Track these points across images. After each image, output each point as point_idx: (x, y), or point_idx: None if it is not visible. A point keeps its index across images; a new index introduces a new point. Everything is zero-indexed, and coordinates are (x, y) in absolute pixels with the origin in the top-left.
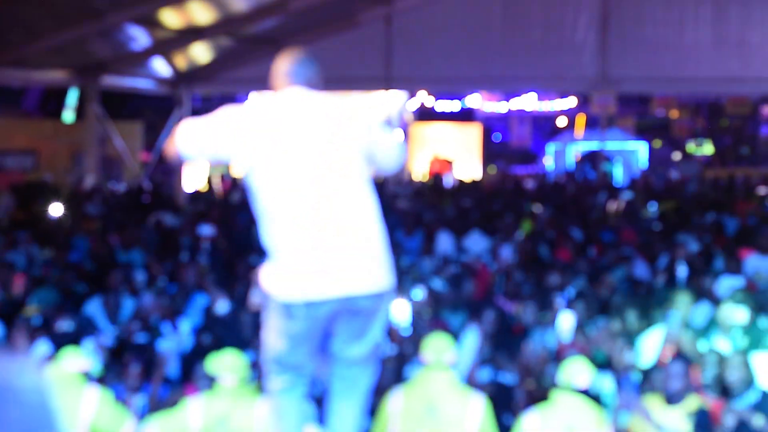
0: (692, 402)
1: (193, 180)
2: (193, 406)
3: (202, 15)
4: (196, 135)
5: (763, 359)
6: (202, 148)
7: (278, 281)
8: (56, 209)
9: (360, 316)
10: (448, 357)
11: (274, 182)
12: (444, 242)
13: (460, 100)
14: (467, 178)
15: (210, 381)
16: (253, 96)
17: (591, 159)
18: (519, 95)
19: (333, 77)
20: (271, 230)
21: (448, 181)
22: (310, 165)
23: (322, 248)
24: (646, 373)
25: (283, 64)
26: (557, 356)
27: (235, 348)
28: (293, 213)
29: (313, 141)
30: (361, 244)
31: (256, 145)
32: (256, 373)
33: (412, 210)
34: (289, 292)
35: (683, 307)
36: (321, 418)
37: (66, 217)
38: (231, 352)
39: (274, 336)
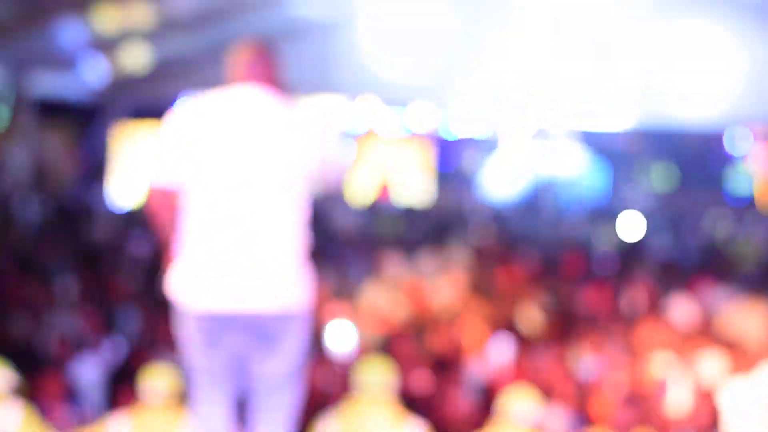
0: None
1: (123, 194)
2: (123, 423)
3: (139, 17)
4: (159, 193)
5: None
6: (172, 199)
7: (177, 286)
8: None
9: (264, 334)
10: (384, 382)
11: (198, 181)
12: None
13: (403, 107)
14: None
15: (138, 397)
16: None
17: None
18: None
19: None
20: (183, 230)
21: (393, 204)
22: (240, 168)
23: (227, 259)
24: None
25: (240, 56)
26: (495, 384)
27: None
28: (208, 216)
29: (250, 144)
30: (273, 261)
31: (192, 146)
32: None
33: (356, 231)
34: (183, 299)
35: None
36: None
37: None
38: (160, 368)
39: (185, 344)
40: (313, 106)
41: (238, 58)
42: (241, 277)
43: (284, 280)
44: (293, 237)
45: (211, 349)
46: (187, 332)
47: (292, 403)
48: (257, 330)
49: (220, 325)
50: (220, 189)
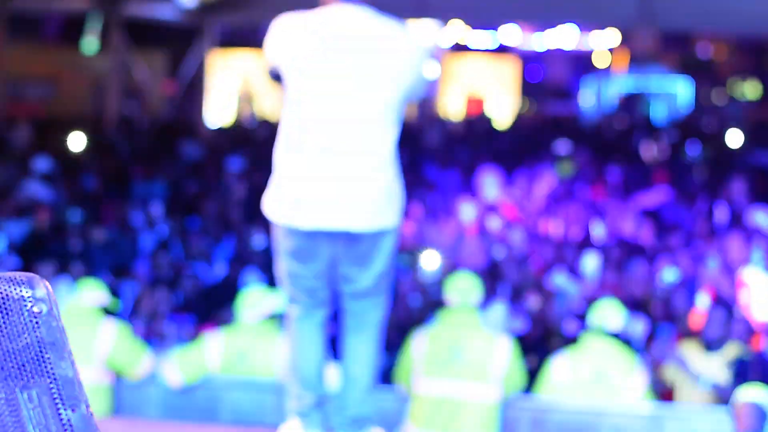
0: (732, 349)
1: (218, 113)
2: (213, 342)
3: None
4: (268, 47)
5: None
6: (270, 66)
7: (275, 203)
8: (76, 141)
9: (358, 248)
10: (473, 297)
11: (296, 100)
12: (488, 182)
13: (495, 30)
14: (502, 117)
15: (233, 316)
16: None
17: (631, 99)
18: (556, 27)
19: None
20: (279, 149)
21: (482, 118)
22: (337, 89)
23: (323, 176)
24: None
25: None
26: (587, 297)
27: (268, 284)
28: (304, 134)
29: (347, 64)
30: (367, 178)
31: (293, 57)
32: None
33: (445, 147)
34: (282, 216)
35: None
36: (336, 354)
37: (85, 149)
38: (255, 288)
39: (281, 259)
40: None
41: None
42: (336, 193)
43: (378, 198)
44: (388, 155)
45: (306, 264)
46: (283, 247)
47: (381, 317)
48: (350, 246)
49: (314, 240)
50: (318, 107)
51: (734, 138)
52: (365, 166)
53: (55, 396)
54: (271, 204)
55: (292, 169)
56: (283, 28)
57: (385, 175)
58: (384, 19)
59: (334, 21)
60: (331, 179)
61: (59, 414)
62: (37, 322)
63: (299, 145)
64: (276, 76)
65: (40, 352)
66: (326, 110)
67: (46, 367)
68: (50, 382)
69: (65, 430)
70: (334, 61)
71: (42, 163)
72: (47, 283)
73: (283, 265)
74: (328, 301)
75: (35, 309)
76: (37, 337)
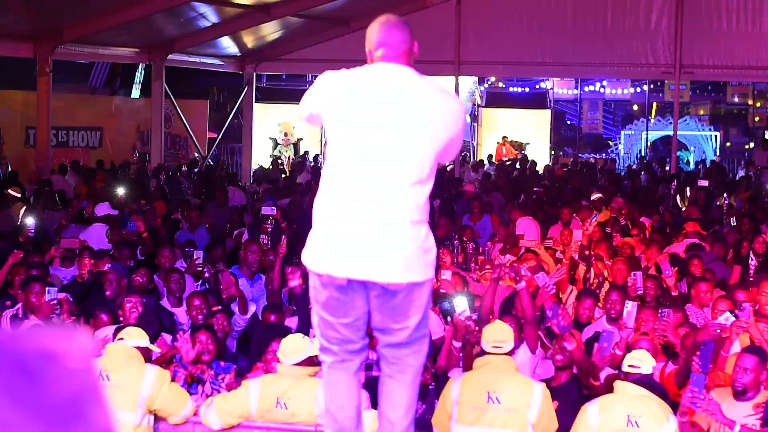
0: (763, 396)
1: (259, 159)
2: (251, 387)
3: None
4: (305, 101)
5: None
6: (306, 111)
7: (311, 250)
8: (119, 190)
9: (392, 301)
10: (508, 345)
11: (334, 150)
12: (527, 229)
13: (530, 86)
14: (539, 165)
15: (273, 361)
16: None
17: (665, 147)
18: (592, 82)
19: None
20: (318, 197)
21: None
22: (372, 140)
23: (358, 226)
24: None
25: (375, 33)
26: (622, 345)
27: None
28: (340, 183)
29: (383, 116)
30: (400, 231)
31: (332, 107)
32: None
33: (480, 194)
34: (316, 263)
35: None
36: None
37: (127, 196)
38: (294, 333)
39: (315, 308)
40: (445, 84)
41: (377, 32)
42: (370, 245)
43: (411, 252)
44: (421, 207)
45: (339, 315)
46: (318, 296)
47: (420, 363)
48: (384, 299)
49: (348, 290)
50: (353, 158)
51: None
52: (399, 217)
53: None
54: (307, 251)
55: (328, 218)
56: (327, 79)
57: (419, 228)
58: (424, 77)
59: (374, 75)
60: (365, 229)
61: None
62: (75, 376)
63: (335, 195)
64: (313, 121)
65: (78, 405)
66: (361, 161)
67: (84, 421)
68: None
69: None
70: (371, 111)
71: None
72: (87, 336)
73: (317, 315)
74: (362, 350)
75: (74, 363)
76: (74, 390)
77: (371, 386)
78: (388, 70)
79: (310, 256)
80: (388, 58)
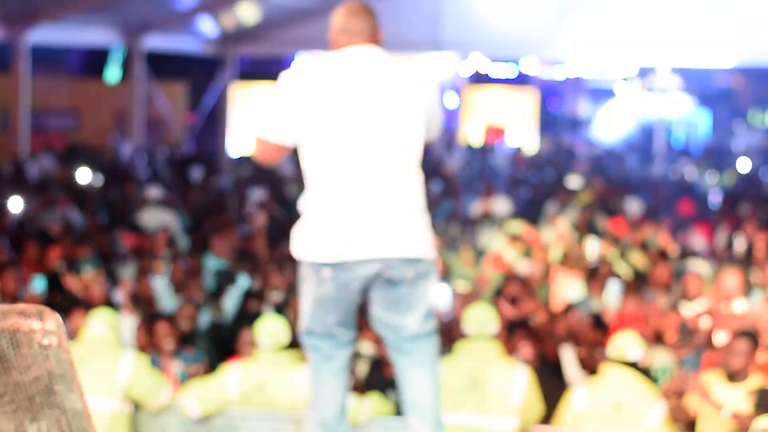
0: (755, 380)
1: (239, 144)
2: (231, 373)
3: None
4: (267, 145)
5: None
6: (279, 151)
7: (308, 242)
8: (84, 174)
9: (396, 288)
10: (490, 328)
11: (323, 141)
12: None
13: (515, 63)
14: (521, 146)
15: (252, 347)
16: (305, 56)
17: (650, 128)
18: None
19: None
20: (309, 190)
21: (500, 148)
22: (363, 127)
23: (358, 212)
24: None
25: (339, 19)
26: (608, 328)
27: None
28: (335, 173)
29: (370, 104)
30: (400, 214)
31: (313, 107)
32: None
33: (463, 176)
34: (316, 253)
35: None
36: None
37: (101, 181)
38: (274, 318)
39: (306, 302)
40: (424, 63)
41: (342, 18)
42: (371, 226)
43: (412, 231)
44: (417, 192)
45: (335, 307)
46: (310, 289)
47: (436, 352)
48: (387, 291)
49: (353, 275)
50: (344, 148)
51: (744, 165)
52: (397, 204)
53: (65, 428)
54: (299, 241)
55: (322, 207)
56: (301, 72)
57: (418, 212)
58: (399, 59)
59: (353, 64)
60: (364, 214)
61: None
62: (46, 355)
63: (328, 185)
64: (283, 122)
65: (50, 384)
66: (353, 152)
67: (55, 399)
68: (59, 414)
69: None
70: (356, 100)
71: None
72: (57, 316)
73: (309, 310)
74: (350, 344)
75: (45, 341)
76: (47, 369)
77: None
78: (365, 57)
79: (307, 249)
80: (353, 43)
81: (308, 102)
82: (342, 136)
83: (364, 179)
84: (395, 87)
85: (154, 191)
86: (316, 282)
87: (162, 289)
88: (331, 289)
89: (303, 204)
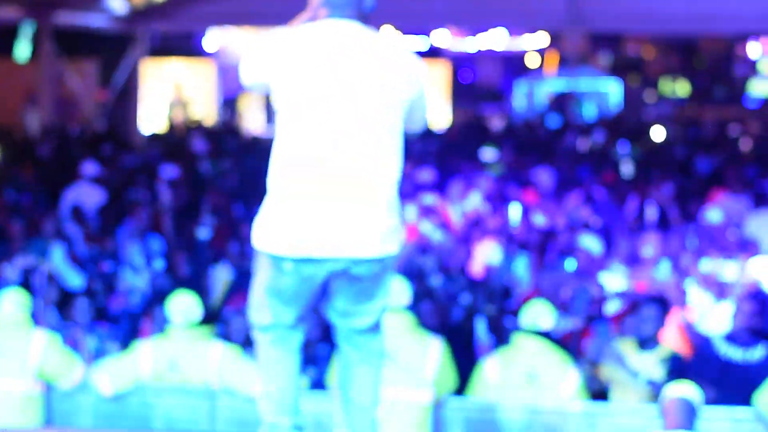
0: (666, 347)
1: (151, 120)
2: (144, 350)
3: None
4: (249, 66)
5: None
6: (254, 78)
7: (270, 230)
8: None
9: (360, 281)
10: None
11: (294, 119)
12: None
13: (427, 35)
14: (435, 120)
15: (165, 323)
16: (295, 23)
17: (561, 99)
18: (487, 31)
19: (291, 12)
20: (275, 171)
21: None
22: (340, 107)
23: (326, 199)
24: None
25: None
26: (519, 297)
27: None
28: (304, 155)
29: (351, 82)
30: (373, 202)
31: (287, 75)
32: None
33: None
34: (279, 244)
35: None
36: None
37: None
38: (186, 294)
39: (259, 292)
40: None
41: None
42: (342, 217)
43: (384, 223)
44: (393, 179)
45: (290, 304)
46: (268, 281)
47: (383, 352)
48: (351, 283)
49: (317, 271)
50: (318, 126)
51: (658, 134)
52: (377, 194)
53: None
54: (262, 230)
55: (293, 197)
56: (275, 42)
57: (391, 200)
58: (379, 34)
59: (332, 37)
60: (333, 202)
61: None
62: None
63: (299, 168)
64: (258, 89)
65: None
66: (327, 133)
67: None
68: None
69: None
70: (334, 76)
71: None
72: None
73: (264, 300)
74: (305, 326)
75: None
76: None
77: None
78: (343, 30)
79: (270, 239)
80: (335, 16)
81: (288, 75)
82: (319, 112)
83: (339, 164)
84: (380, 64)
85: (90, 168)
86: (275, 274)
87: (61, 263)
88: (292, 282)
89: (270, 183)
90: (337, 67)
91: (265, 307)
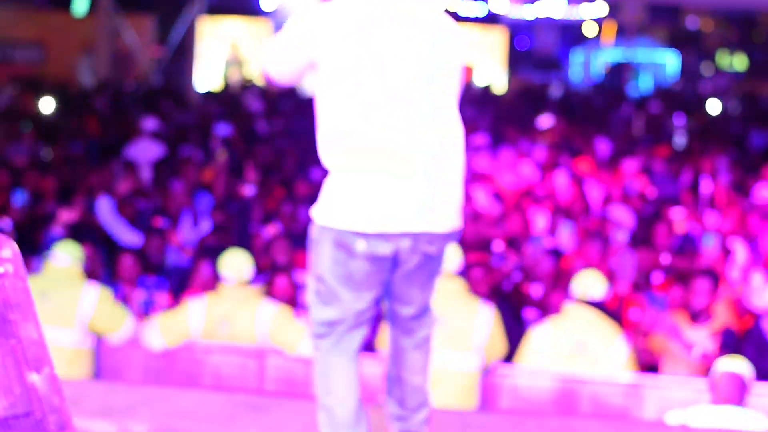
0: (719, 321)
1: (207, 78)
2: (195, 307)
3: None
4: (280, 59)
5: None
6: (289, 71)
7: (340, 205)
8: (47, 104)
9: (430, 266)
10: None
11: (360, 94)
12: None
13: (485, 2)
14: (490, 85)
15: (216, 280)
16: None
17: (618, 70)
18: None
19: None
20: (333, 147)
21: (469, 87)
22: (407, 80)
23: (401, 174)
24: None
25: None
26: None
27: (243, 246)
28: (376, 130)
29: (412, 55)
30: (445, 175)
31: (342, 50)
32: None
33: None
34: (351, 220)
35: None
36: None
37: (66, 114)
38: (237, 252)
39: (324, 283)
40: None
41: None
42: (418, 191)
43: (453, 197)
44: (460, 150)
45: (360, 290)
46: (342, 267)
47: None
48: (425, 264)
49: (390, 249)
50: (387, 99)
51: (714, 107)
52: (442, 163)
53: (19, 357)
54: (329, 206)
55: (362, 166)
56: (323, 17)
57: (458, 173)
58: (430, 7)
59: (376, 7)
60: (408, 176)
61: (23, 375)
62: (2, 283)
63: (370, 141)
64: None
65: (5, 313)
66: (398, 104)
67: (10, 328)
68: (15, 343)
69: (29, 391)
70: (397, 51)
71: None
72: (13, 244)
73: (326, 290)
74: (368, 322)
75: (0, 269)
76: (2, 298)
77: None
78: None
79: (340, 214)
80: None
81: (346, 51)
82: (388, 86)
83: (409, 135)
84: (435, 36)
85: (149, 123)
86: (344, 256)
87: (107, 215)
88: (364, 263)
89: (330, 161)
90: (385, 38)
91: (334, 299)
